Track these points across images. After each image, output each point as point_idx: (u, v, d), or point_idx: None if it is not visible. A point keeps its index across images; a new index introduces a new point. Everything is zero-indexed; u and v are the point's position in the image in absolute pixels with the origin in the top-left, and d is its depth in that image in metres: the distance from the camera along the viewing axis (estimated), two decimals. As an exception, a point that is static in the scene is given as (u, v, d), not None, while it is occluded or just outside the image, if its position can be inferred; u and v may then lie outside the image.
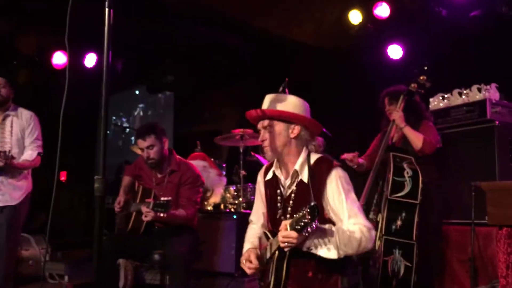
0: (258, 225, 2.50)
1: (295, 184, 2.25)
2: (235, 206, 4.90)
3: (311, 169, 2.17)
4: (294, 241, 1.96)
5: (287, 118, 2.21)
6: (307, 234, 1.95)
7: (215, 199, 4.85)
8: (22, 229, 4.17)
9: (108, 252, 3.46)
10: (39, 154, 3.93)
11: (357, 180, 4.18)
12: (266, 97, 2.32)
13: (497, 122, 3.93)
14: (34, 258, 5.54)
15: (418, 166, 3.53)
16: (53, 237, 6.39)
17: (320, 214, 1.98)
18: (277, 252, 2.17)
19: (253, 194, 5.07)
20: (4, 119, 3.88)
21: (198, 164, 4.36)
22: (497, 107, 4.01)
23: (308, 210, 1.87)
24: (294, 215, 1.96)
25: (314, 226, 1.89)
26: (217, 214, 4.63)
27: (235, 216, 4.38)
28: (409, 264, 3.38)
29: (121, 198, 3.82)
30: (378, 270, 3.39)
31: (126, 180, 3.99)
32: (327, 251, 2.04)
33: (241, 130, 4.90)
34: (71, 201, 8.78)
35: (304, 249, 2.07)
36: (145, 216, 3.38)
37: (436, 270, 3.96)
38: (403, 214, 3.45)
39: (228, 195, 4.95)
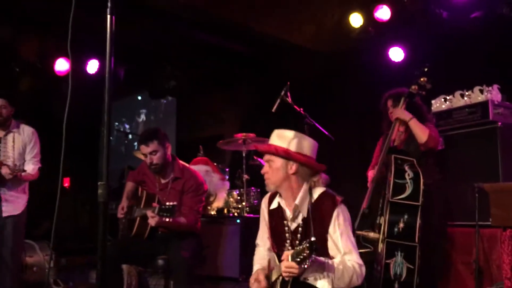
0: (265, 248, 2.57)
1: (299, 218, 2.35)
2: (238, 211, 4.90)
3: (314, 204, 2.28)
4: (296, 271, 2.07)
5: (285, 156, 2.29)
6: (305, 266, 2.05)
7: (218, 203, 4.85)
8: (24, 236, 4.40)
9: (111, 258, 3.45)
10: (38, 168, 4.18)
11: (357, 184, 4.20)
12: (273, 132, 2.41)
13: (499, 123, 3.92)
14: (39, 264, 5.53)
15: (420, 168, 3.52)
16: (57, 243, 6.40)
17: (323, 248, 2.20)
18: (281, 277, 2.27)
19: (256, 198, 5.07)
20: (6, 134, 4.09)
21: (200, 168, 4.36)
22: (499, 108, 4.00)
23: (307, 245, 1.97)
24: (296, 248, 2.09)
25: (311, 260, 2.01)
26: (221, 219, 4.63)
27: (238, 221, 4.38)
28: (411, 267, 3.37)
29: (124, 203, 3.82)
30: (380, 273, 3.37)
31: (129, 185, 3.99)
32: (322, 283, 2.17)
33: (244, 134, 4.91)
34: (74, 208, 8.79)
35: (301, 278, 2.18)
36: (149, 221, 3.39)
37: (440, 272, 3.95)
38: (405, 216, 3.43)
39: (231, 199, 4.95)
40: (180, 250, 3.49)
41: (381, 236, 3.43)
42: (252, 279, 2.41)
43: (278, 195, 2.43)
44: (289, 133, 2.35)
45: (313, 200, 2.29)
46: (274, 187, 2.37)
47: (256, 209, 5.02)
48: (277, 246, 2.45)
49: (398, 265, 3.36)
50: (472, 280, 3.76)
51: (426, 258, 3.47)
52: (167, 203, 3.38)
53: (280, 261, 2.27)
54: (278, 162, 2.31)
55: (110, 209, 4.85)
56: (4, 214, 3.97)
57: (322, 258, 2.17)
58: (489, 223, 3.72)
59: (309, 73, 6.25)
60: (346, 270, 2.18)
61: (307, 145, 2.35)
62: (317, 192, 2.33)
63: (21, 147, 4.10)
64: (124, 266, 4.37)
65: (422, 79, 3.63)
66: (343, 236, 2.27)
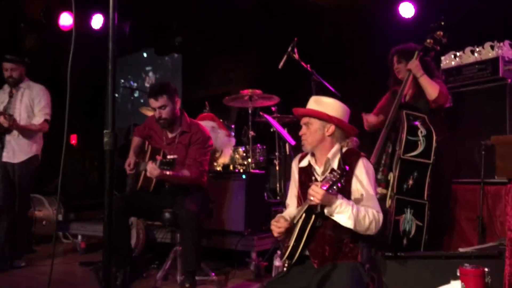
0: (294, 207, 2.67)
1: (328, 171, 2.44)
2: (244, 167, 4.93)
3: (342, 157, 2.46)
4: (319, 196, 2.19)
5: (324, 118, 2.48)
6: (331, 191, 2.21)
7: (224, 159, 4.87)
8: (31, 188, 4.75)
9: (118, 211, 3.50)
10: (46, 120, 4.51)
11: (365, 139, 4.19)
12: (311, 98, 2.60)
13: (509, 80, 3.86)
14: (47, 218, 5.66)
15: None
16: (66, 199, 6.52)
17: (347, 196, 2.36)
18: (303, 215, 2.36)
19: (262, 155, 5.09)
20: (17, 90, 4.53)
21: (206, 124, 4.36)
22: (510, 65, 3.93)
23: (339, 171, 2.16)
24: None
25: (339, 184, 2.18)
26: (226, 174, 4.65)
27: (244, 176, 4.40)
28: (420, 224, 3.38)
29: (131, 159, 3.84)
30: (389, 230, 3.39)
31: (135, 140, 4.00)
32: (346, 220, 2.28)
33: (250, 90, 4.88)
34: (83, 164, 8.90)
35: (327, 213, 2.29)
36: (149, 173, 3.42)
37: (445, 228, 3.98)
38: (415, 174, 3.41)
39: (237, 156, 4.97)
40: (187, 204, 3.53)
41: (389, 192, 3.42)
42: (272, 221, 2.53)
43: (309, 155, 2.60)
44: (326, 99, 2.55)
45: (343, 155, 2.49)
46: (311, 148, 2.54)
47: (261, 166, 5.05)
48: (304, 201, 2.52)
49: (408, 222, 3.37)
50: (475, 236, 3.79)
51: (434, 215, 3.48)
52: (168, 156, 3.38)
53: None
54: (316, 124, 2.50)
55: (117, 166, 4.93)
56: (4, 159, 4.38)
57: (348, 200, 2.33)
58: (494, 180, 3.73)
59: (317, 31, 6.14)
60: (368, 214, 2.31)
61: (342, 110, 2.53)
62: (345, 149, 2.52)
63: (28, 102, 4.48)
64: (133, 219, 4.45)
65: (438, 33, 3.53)
66: (367, 186, 2.41)
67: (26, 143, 4.45)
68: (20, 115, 4.43)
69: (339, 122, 2.49)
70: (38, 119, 4.49)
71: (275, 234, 2.50)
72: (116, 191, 4.85)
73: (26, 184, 4.51)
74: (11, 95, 4.50)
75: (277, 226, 2.48)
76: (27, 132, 4.45)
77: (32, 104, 4.50)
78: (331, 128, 2.49)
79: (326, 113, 2.48)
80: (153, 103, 3.68)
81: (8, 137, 4.39)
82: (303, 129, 2.55)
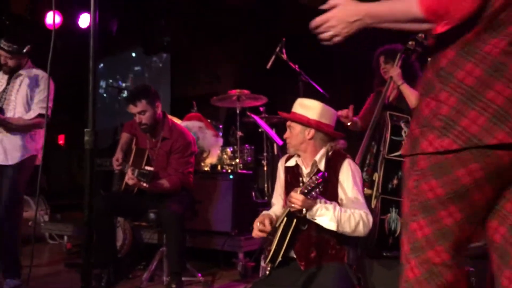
0: (279, 206, 2.68)
1: (312, 173, 2.46)
2: (232, 167, 4.91)
3: (328, 160, 2.49)
4: (299, 202, 2.20)
5: (304, 122, 2.52)
6: (311, 197, 2.21)
7: (211, 159, 4.85)
8: (24, 191, 3.96)
9: (103, 211, 3.47)
10: (40, 115, 3.71)
11: (352, 140, 4.20)
12: (297, 100, 2.63)
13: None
14: (33, 219, 5.59)
15: (413, 126, 3.50)
16: (53, 199, 6.46)
17: (333, 198, 2.37)
18: (285, 219, 2.37)
19: (250, 155, 5.08)
20: (16, 77, 3.76)
21: (193, 125, 4.33)
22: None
23: (316, 176, 2.16)
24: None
25: (318, 191, 2.20)
26: (214, 175, 4.63)
27: (231, 176, 4.39)
28: (405, 222, 3.40)
29: (118, 155, 3.79)
30: (375, 229, 3.40)
31: (124, 136, 3.93)
32: (328, 222, 2.27)
33: (238, 90, 4.86)
34: (69, 165, 8.84)
35: (308, 216, 2.28)
36: (126, 179, 3.43)
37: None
38: (400, 173, 3.44)
39: (225, 156, 4.95)
40: (171, 204, 3.50)
41: (375, 193, 3.44)
42: (257, 220, 2.53)
43: (296, 156, 2.62)
44: (310, 102, 2.57)
45: (328, 157, 2.51)
46: (294, 150, 2.58)
47: (249, 166, 5.04)
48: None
49: (393, 221, 3.38)
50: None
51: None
52: (145, 168, 3.36)
53: None
54: (297, 128, 2.53)
55: (104, 166, 4.85)
56: None
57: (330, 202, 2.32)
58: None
59: (306, 28, 6.14)
60: (353, 215, 2.29)
61: (325, 114, 2.55)
62: (331, 152, 2.54)
63: (26, 92, 3.72)
64: (120, 220, 4.42)
65: (420, 35, 3.55)
66: (354, 187, 2.42)
67: (22, 142, 3.70)
68: (15, 108, 3.69)
69: (319, 126, 2.50)
70: (30, 113, 3.72)
71: (254, 235, 2.49)
72: (103, 190, 4.82)
73: (22, 187, 3.77)
74: (8, 82, 3.76)
75: (260, 228, 2.45)
76: (22, 128, 3.70)
77: (31, 95, 3.73)
78: (311, 132, 2.51)
79: (307, 117, 2.50)
80: (132, 108, 3.62)
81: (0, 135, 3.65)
82: (287, 133, 2.60)
